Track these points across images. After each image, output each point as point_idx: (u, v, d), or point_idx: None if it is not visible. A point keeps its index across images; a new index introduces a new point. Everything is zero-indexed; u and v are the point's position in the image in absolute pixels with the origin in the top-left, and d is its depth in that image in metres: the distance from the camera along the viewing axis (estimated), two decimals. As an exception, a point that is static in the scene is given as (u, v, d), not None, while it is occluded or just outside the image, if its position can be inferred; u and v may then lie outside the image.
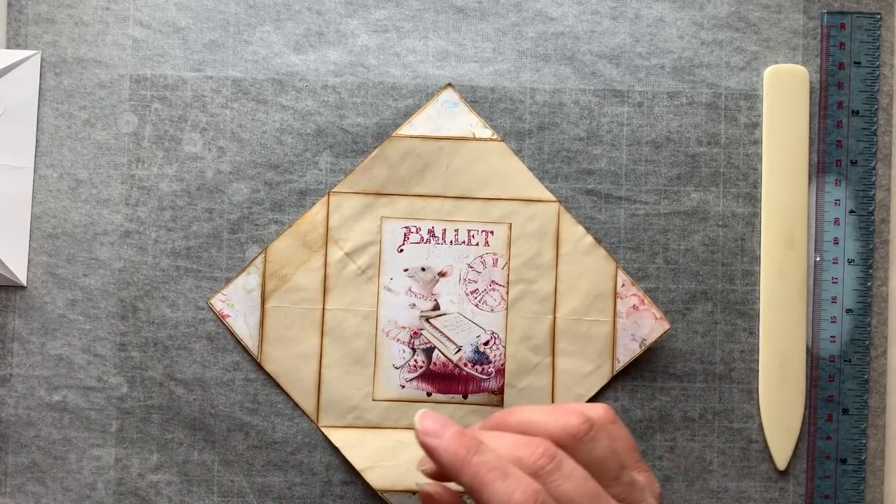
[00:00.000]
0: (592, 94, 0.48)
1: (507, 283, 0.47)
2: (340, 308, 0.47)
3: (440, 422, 0.30)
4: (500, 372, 0.47)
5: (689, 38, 0.48)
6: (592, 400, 0.47)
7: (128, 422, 0.47)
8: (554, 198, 0.48)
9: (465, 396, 0.47)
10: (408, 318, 0.47)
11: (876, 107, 0.48)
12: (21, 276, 0.47)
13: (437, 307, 0.47)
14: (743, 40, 0.48)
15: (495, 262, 0.47)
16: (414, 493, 0.46)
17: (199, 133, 0.48)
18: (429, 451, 0.30)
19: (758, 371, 0.47)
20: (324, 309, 0.47)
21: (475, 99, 0.48)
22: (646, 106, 0.48)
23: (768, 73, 0.48)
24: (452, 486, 0.32)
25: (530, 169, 0.48)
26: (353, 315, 0.47)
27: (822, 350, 0.47)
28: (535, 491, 0.27)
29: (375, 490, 0.46)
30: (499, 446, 0.29)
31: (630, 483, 0.30)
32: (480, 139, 0.48)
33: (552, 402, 0.47)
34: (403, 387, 0.47)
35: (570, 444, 0.30)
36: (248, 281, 0.47)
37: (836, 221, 0.48)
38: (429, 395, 0.47)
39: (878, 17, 0.48)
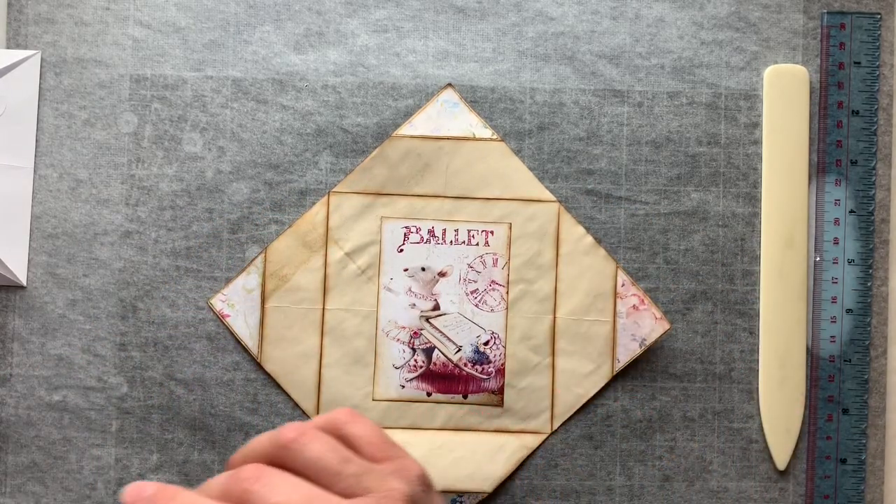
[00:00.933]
0: (592, 94, 0.48)
1: (507, 283, 0.47)
2: (340, 308, 0.47)
3: (141, 486, 0.30)
4: (500, 372, 0.47)
5: (689, 38, 0.48)
6: (592, 400, 0.47)
7: (128, 422, 0.47)
8: (554, 198, 0.48)
9: (465, 396, 0.47)
10: (408, 318, 0.47)
11: (876, 107, 0.48)
12: (21, 276, 0.47)
13: (437, 307, 0.47)
14: (743, 40, 0.48)
15: (495, 262, 0.47)
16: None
17: (199, 133, 0.48)
18: None
19: (758, 371, 0.47)
20: (324, 309, 0.47)
21: (475, 99, 0.48)
22: (646, 106, 0.48)
23: (768, 73, 0.48)
24: None
25: (530, 169, 0.48)
26: (353, 315, 0.47)
27: (822, 350, 0.47)
28: None
29: (375, 490, 0.46)
30: (211, 490, 0.30)
31: (357, 474, 0.30)
32: (480, 139, 0.48)
33: (552, 401, 0.47)
34: (403, 387, 0.47)
35: (281, 454, 0.30)
36: (248, 281, 0.47)
37: (836, 221, 0.48)
38: (429, 395, 0.47)
39: (878, 17, 0.48)
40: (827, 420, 0.47)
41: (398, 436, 0.47)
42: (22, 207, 0.47)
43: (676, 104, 0.48)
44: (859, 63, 0.48)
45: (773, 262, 0.48)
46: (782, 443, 0.47)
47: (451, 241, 0.48)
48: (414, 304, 0.47)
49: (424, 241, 0.48)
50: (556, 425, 0.47)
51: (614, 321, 0.47)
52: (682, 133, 0.48)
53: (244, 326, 0.47)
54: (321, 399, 0.47)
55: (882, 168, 0.48)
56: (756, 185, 0.48)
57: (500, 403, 0.47)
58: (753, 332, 0.48)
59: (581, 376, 0.47)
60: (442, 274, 0.47)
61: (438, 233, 0.48)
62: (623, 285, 0.47)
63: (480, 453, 0.47)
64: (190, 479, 0.47)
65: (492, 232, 0.48)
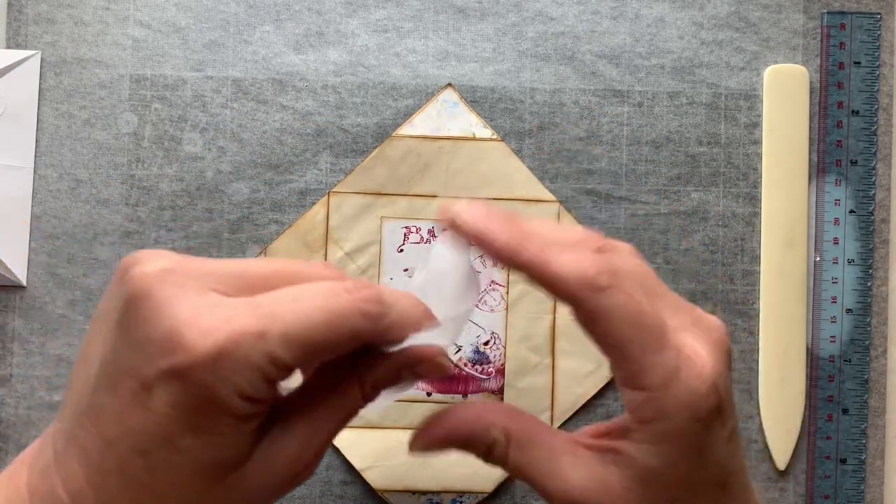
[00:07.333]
0: (592, 94, 0.48)
1: (507, 283, 0.47)
2: (340, 308, 0.47)
3: (479, 209, 0.27)
4: (500, 372, 0.47)
5: (689, 38, 0.48)
6: (592, 400, 0.47)
7: (128, 422, 0.47)
8: (554, 198, 0.48)
9: (465, 396, 0.47)
10: (408, 318, 0.47)
11: (876, 107, 0.48)
12: (21, 276, 0.47)
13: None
14: (743, 40, 0.48)
15: (495, 262, 0.47)
16: (414, 492, 0.46)
17: (199, 133, 0.48)
18: (481, 238, 0.27)
19: (758, 371, 0.47)
20: (324, 309, 0.47)
21: (475, 99, 0.48)
22: (646, 106, 0.48)
23: (768, 73, 0.48)
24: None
25: (530, 169, 0.48)
26: (353, 315, 0.47)
27: (822, 350, 0.47)
28: (602, 259, 0.25)
29: (375, 490, 0.46)
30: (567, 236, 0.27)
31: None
32: (480, 139, 0.48)
33: (552, 401, 0.47)
34: (403, 387, 0.47)
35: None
36: (248, 281, 0.47)
37: (836, 221, 0.48)
38: (429, 394, 0.47)
39: (878, 17, 0.48)
40: (827, 420, 0.47)
41: (398, 436, 0.47)
42: (22, 207, 0.47)
43: (676, 104, 0.48)
44: (859, 63, 0.48)
45: (773, 262, 0.48)
46: (782, 443, 0.47)
47: (451, 241, 0.47)
48: (414, 304, 0.47)
49: (424, 241, 0.48)
50: (556, 425, 0.47)
51: (614, 321, 0.47)
52: (682, 133, 0.48)
53: (244, 326, 0.47)
54: (321, 399, 0.47)
55: (882, 168, 0.48)
56: (756, 185, 0.48)
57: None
58: (753, 332, 0.48)
59: (581, 376, 0.47)
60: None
61: (438, 233, 0.48)
62: (623, 285, 0.47)
63: (480, 453, 0.47)
64: (190, 479, 0.46)
65: (492, 232, 0.47)
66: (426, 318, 0.27)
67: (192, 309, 0.22)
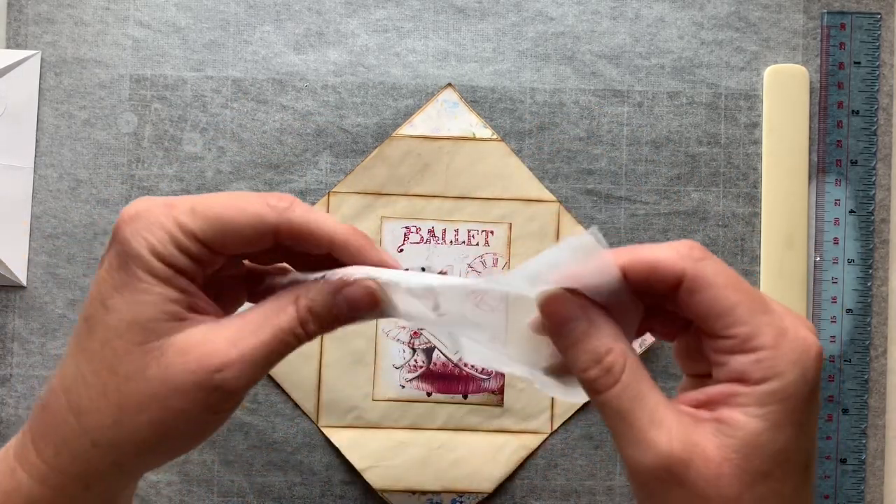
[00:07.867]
0: (592, 94, 0.48)
1: (507, 283, 0.47)
2: (340, 308, 0.47)
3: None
4: (500, 372, 0.47)
5: (689, 38, 0.48)
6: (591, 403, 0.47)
7: (128, 422, 0.47)
8: (554, 198, 0.48)
9: (465, 396, 0.47)
10: (408, 318, 0.47)
11: (876, 107, 0.48)
12: (21, 276, 0.47)
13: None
14: (743, 40, 0.48)
15: (495, 262, 0.47)
16: (414, 492, 0.46)
17: (199, 133, 0.48)
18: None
19: (758, 371, 0.47)
20: (324, 309, 0.47)
21: (475, 99, 0.48)
22: (646, 106, 0.48)
23: (768, 73, 0.48)
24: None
25: (530, 169, 0.48)
26: (353, 315, 0.47)
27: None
28: (691, 243, 0.28)
29: (375, 490, 0.46)
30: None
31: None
32: (480, 139, 0.48)
33: (552, 401, 0.47)
34: (403, 387, 0.47)
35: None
36: (248, 281, 0.47)
37: (836, 221, 0.48)
38: (429, 394, 0.47)
39: (878, 17, 0.48)
40: (827, 420, 0.47)
41: (398, 436, 0.47)
42: (22, 207, 0.47)
43: (676, 104, 0.48)
44: (859, 63, 0.48)
45: (773, 262, 0.48)
46: (782, 443, 0.47)
47: (451, 241, 0.48)
48: (414, 304, 0.47)
49: (424, 241, 0.48)
50: (556, 425, 0.47)
51: (614, 321, 0.47)
52: (682, 133, 0.48)
53: (244, 326, 0.47)
54: (321, 399, 0.47)
55: (882, 168, 0.48)
56: (756, 185, 0.48)
57: (500, 403, 0.47)
58: (753, 332, 0.48)
59: (581, 376, 0.47)
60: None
61: (438, 233, 0.48)
62: (623, 285, 0.47)
63: (480, 453, 0.47)
64: (190, 479, 0.47)
65: (492, 232, 0.48)
66: (351, 233, 0.30)
67: (139, 206, 0.29)
